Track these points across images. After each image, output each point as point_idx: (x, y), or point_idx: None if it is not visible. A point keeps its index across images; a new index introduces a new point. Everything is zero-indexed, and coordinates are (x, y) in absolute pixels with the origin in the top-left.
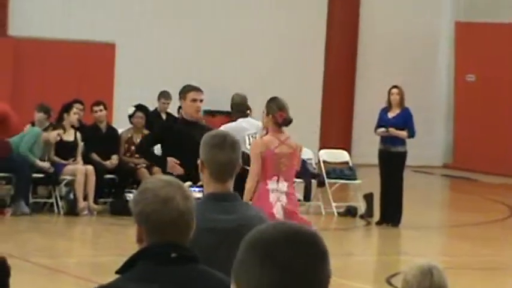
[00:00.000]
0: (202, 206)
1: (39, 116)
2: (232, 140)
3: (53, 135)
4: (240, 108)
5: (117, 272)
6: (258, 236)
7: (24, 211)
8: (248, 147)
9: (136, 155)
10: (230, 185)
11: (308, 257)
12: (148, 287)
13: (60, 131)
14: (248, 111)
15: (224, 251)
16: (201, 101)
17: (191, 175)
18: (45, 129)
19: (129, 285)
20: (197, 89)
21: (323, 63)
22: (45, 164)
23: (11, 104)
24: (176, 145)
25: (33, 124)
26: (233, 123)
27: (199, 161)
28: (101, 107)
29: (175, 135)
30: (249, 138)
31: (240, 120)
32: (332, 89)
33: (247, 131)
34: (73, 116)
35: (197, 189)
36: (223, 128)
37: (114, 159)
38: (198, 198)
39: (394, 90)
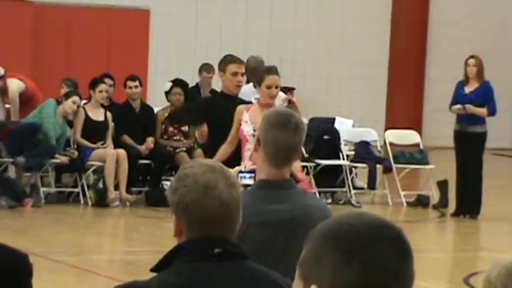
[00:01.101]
0: (252, 195)
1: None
2: (297, 121)
3: (69, 105)
4: (255, 73)
5: (152, 270)
6: (338, 228)
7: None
8: None
9: (175, 138)
10: (287, 171)
11: (395, 254)
12: (188, 287)
13: (75, 98)
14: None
15: (278, 246)
16: (243, 74)
17: (235, 157)
18: (59, 103)
19: (167, 284)
20: (238, 61)
21: (389, 31)
22: (63, 158)
23: (31, 78)
24: (219, 124)
25: (58, 102)
26: (247, 85)
27: (255, 139)
28: (136, 83)
29: (218, 112)
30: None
31: (251, 84)
32: (399, 59)
33: (257, 95)
34: (99, 95)
35: (247, 175)
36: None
37: (150, 142)
38: (249, 186)
39: (471, 61)
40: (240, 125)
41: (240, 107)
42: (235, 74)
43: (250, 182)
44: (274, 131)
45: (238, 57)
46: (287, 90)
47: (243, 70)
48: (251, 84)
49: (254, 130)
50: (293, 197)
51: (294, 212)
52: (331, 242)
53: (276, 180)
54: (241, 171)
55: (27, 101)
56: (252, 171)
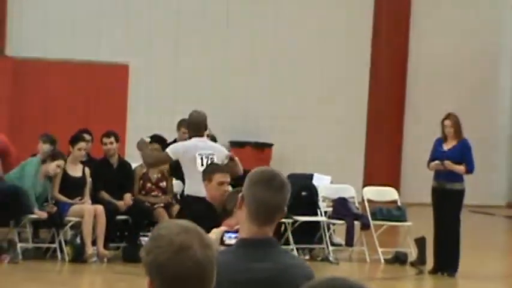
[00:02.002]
0: (232, 254)
1: (44, 147)
2: (282, 180)
3: (52, 168)
4: (195, 127)
5: None
6: None
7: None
8: (201, 167)
9: (153, 193)
10: (269, 230)
11: None
12: None
13: (60, 162)
14: (207, 132)
15: None
16: (228, 183)
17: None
18: (44, 161)
19: None
20: (224, 170)
21: (367, 89)
22: (42, 213)
23: (8, 134)
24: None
25: (34, 157)
26: (185, 142)
27: (239, 197)
28: (112, 139)
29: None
30: (201, 159)
31: (195, 139)
32: (377, 118)
33: (201, 150)
34: (77, 152)
35: (233, 235)
36: (173, 146)
37: (128, 199)
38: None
39: (447, 123)
40: None
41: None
42: (221, 183)
43: (234, 242)
44: (258, 189)
45: (223, 165)
46: (265, 146)
47: (229, 179)
48: (194, 138)
49: None
50: (274, 256)
51: (274, 271)
52: None
53: (257, 239)
54: (227, 231)
55: (0, 156)
56: (237, 231)
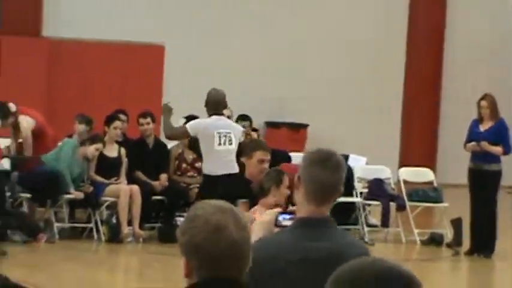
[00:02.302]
0: (290, 233)
1: (80, 128)
2: (338, 159)
3: (91, 151)
4: (214, 106)
5: None
6: (345, 272)
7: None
8: (218, 146)
9: (189, 174)
10: (326, 209)
11: None
12: None
13: (99, 145)
14: (225, 111)
15: (314, 284)
16: (268, 161)
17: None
18: (82, 143)
19: None
20: (265, 148)
21: (403, 69)
22: (78, 194)
23: (45, 114)
24: None
25: (70, 137)
26: (205, 119)
27: (295, 177)
28: (148, 119)
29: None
30: (219, 137)
31: (214, 118)
32: (414, 97)
33: (220, 128)
34: (113, 131)
35: (287, 216)
36: (193, 122)
37: (164, 179)
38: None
39: (483, 103)
40: None
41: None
42: (261, 161)
43: (289, 223)
44: (314, 169)
45: (265, 143)
46: (301, 127)
47: (269, 157)
48: (213, 116)
49: None
50: (331, 235)
51: (331, 251)
52: (336, 285)
53: (315, 218)
54: (281, 212)
55: (37, 137)
56: (292, 213)
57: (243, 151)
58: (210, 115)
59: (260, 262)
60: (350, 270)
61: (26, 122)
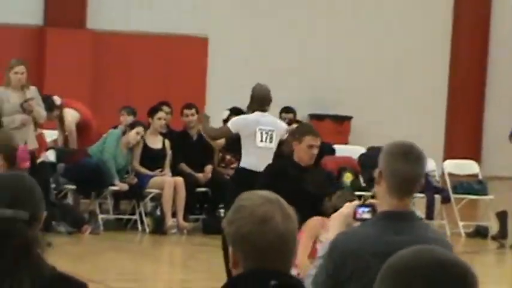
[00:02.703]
0: (374, 226)
1: (128, 119)
2: (419, 151)
3: (132, 136)
4: (259, 102)
5: None
6: (399, 262)
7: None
8: (260, 143)
9: (232, 166)
10: (409, 202)
11: None
12: None
13: (139, 129)
14: (267, 107)
15: None
16: (318, 147)
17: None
18: (124, 133)
19: None
20: (315, 133)
21: (448, 61)
22: (123, 185)
23: (90, 106)
24: (288, 193)
25: (115, 129)
26: (247, 115)
27: (376, 172)
28: (193, 111)
29: (288, 181)
30: (261, 134)
31: (257, 114)
32: (459, 89)
33: (262, 125)
34: (157, 122)
35: (366, 209)
36: (235, 120)
37: (208, 171)
38: (367, 219)
39: None
40: (312, 239)
41: (315, 221)
42: (311, 146)
43: (369, 216)
44: (396, 163)
45: (314, 128)
46: (345, 119)
47: (319, 142)
48: (256, 112)
49: None
50: (415, 229)
51: (414, 245)
52: (391, 276)
53: (398, 212)
54: (359, 205)
55: (82, 130)
56: (371, 205)
57: (293, 134)
58: (253, 111)
59: (343, 255)
60: (407, 256)
61: (71, 116)
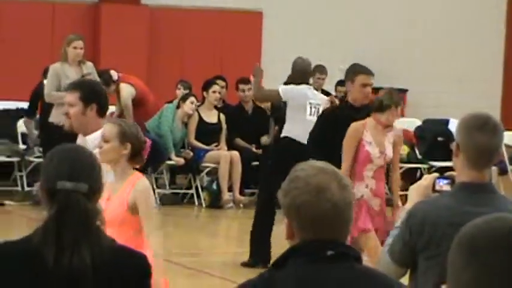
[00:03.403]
0: (453, 197)
1: (183, 93)
2: (495, 122)
3: (188, 106)
4: (303, 75)
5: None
6: (468, 231)
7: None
8: (309, 117)
9: None
10: (488, 173)
11: None
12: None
13: (192, 99)
14: (309, 80)
15: None
16: (371, 85)
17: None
18: (178, 107)
19: (277, 283)
20: (368, 72)
21: (503, 30)
22: (179, 160)
23: (146, 82)
24: (338, 135)
25: (170, 103)
26: (297, 86)
27: (453, 145)
28: (249, 86)
29: (341, 124)
30: (310, 108)
31: (305, 86)
32: None
33: (311, 99)
34: (212, 95)
35: (445, 181)
36: (286, 87)
37: (264, 140)
38: (445, 192)
39: None
40: (358, 143)
41: (357, 125)
42: (364, 85)
43: (448, 188)
44: (474, 135)
45: (367, 67)
46: (400, 91)
47: (373, 82)
48: (304, 85)
49: (381, 153)
50: (495, 201)
51: None
52: (459, 244)
53: (478, 183)
54: (438, 177)
55: (138, 104)
56: (450, 178)
57: (346, 74)
58: (297, 83)
59: (421, 223)
60: (480, 223)
61: (126, 91)
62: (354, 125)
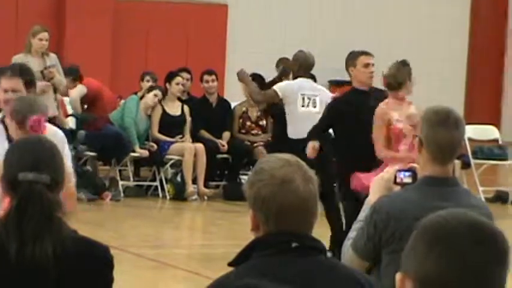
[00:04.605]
0: (417, 192)
1: (147, 85)
2: (456, 116)
3: (150, 97)
4: (307, 68)
5: (230, 264)
6: (431, 221)
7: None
8: (301, 109)
9: (253, 132)
10: (451, 167)
11: (482, 251)
12: (266, 281)
13: (157, 92)
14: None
15: None
16: (373, 65)
17: (369, 157)
18: (142, 97)
19: (244, 279)
20: (368, 52)
21: (468, 27)
22: (143, 152)
23: (110, 73)
24: (350, 122)
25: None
26: (292, 81)
27: (416, 140)
28: (213, 77)
29: (349, 111)
30: (303, 99)
31: (300, 80)
32: (479, 53)
33: (305, 90)
34: (175, 87)
35: (406, 173)
36: (281, 84)
37: (226, 137)
38: (407, 184)
39: None
40: (390, 124)
41: (382, 109)
42: (366, 65)
43: (409, 180)
44: (436, 130)
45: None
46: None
47: (373, 60)
48: (300, 79)
49: (412, 126)
50: (458, 195)
51: None
52: (421, 233)
53: (441, 177)
54: (399, 170)
55: (94, 100)
56: (411, 170)
57: (346, 62)
58: (295, 77)
59: (387, 217)
60: (438, 217)
61: (75, 91)
62: (379, 109)
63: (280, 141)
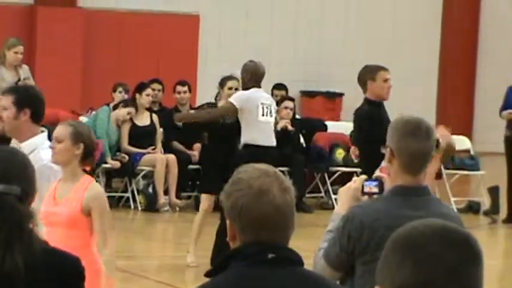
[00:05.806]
0: (388, 201)
1: (120, 96)
2: (427, 126)
3: (122, 113)
4: (258, 78)
5: (206, 275)
6: (403, 231)
7: None
8: (261, 118)
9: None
10: (422, 177)
11: (457, 252)
12: None
13: (131, 109)
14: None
15: None
16: (390, 79)
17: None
18: (115, 108)
19: None
20: (386, 68)
21: (439, 37)
22: (115, 163)
23: (82, 84)
24: (377, 134)
25: (113, 107)
26: (247, 91)
27: (386, 150)
28: (186, 88)
29: (376, 122)
30: (263, 108)
31: (254, 90)
32: (450, 63)
33: (263, 99)
34: (145, 98)
35: (373, 183)
36: (236, 95)
37: (197, 149)
38: (376, 193)
39: None
40: None
41: None
42: (386, 80)
43: (376, 190)
44: (407, 140)
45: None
46: (336, 95)
47: (390, 75)
48: (254, 88)
49: None
50: (429, 204)
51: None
52: (394, 243)
53: (413, 187)
54: (366, 180)
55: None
56: (378, 179)
57: (364, 75)
58: (248, 88)
59: (360, 228)
60: (411, 227)
61: None
62: None
63: (247, 151)
